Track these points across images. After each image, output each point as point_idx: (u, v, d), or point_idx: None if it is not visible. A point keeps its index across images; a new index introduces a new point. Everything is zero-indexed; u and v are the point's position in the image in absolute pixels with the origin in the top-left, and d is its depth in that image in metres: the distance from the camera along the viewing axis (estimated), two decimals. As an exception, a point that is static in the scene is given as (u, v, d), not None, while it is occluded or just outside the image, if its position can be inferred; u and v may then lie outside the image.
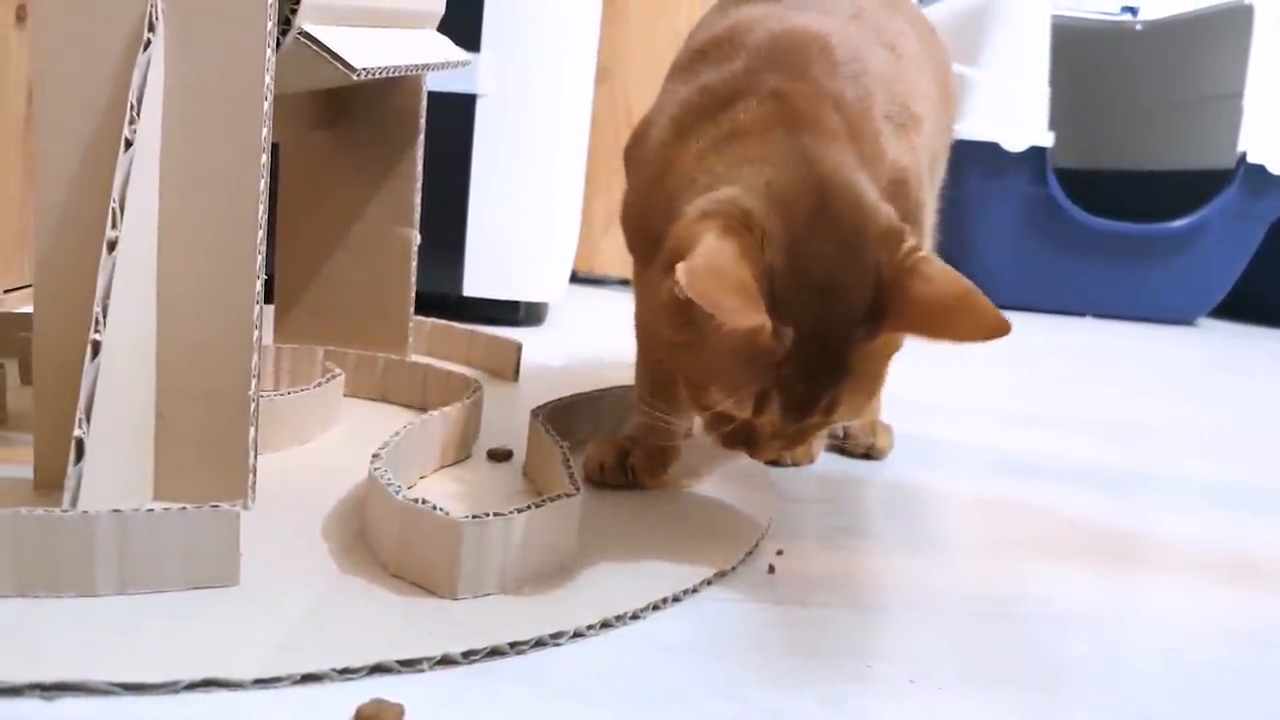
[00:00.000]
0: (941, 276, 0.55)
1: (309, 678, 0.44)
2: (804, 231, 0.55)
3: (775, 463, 0.84)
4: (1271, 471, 1.03)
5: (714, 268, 0.52)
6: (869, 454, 0.89)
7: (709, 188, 0.58)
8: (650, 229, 0.63)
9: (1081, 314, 2.17)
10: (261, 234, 0.59)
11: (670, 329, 0.58)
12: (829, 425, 0.61)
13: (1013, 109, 2.08)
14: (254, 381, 0.59)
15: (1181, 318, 2.24)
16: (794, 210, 0.56)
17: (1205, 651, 0.57)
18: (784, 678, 0.49)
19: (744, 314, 0.51)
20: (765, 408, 0.56)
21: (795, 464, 0.85)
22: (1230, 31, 2.17)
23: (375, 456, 0.60)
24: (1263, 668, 0.56)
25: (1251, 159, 2.12)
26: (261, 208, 0.58)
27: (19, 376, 0.80)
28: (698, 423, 0.64)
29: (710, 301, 0.50)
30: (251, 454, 0.60)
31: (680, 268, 0.50)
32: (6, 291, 1.11)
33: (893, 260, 0.56)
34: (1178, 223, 2.16)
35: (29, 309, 0.73)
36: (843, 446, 0.89)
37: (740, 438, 0.59)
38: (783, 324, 0.54)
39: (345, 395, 0.85)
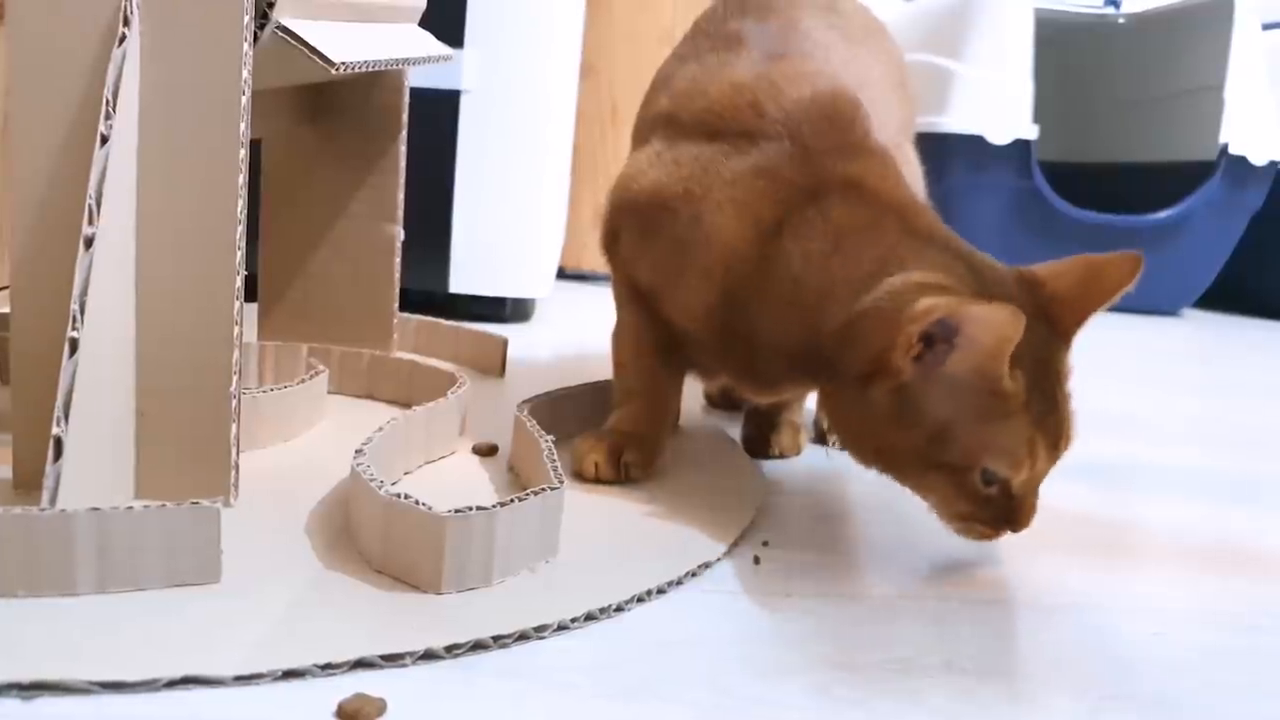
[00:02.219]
0: (1057, 267, 0.62)
1: (290, 674, 0.43)
2: (982, 281, 0.60)
3: (764, 455, 0.84)
4: (1254, 459, 1.04)
5: (963, 308, 0.55)
6: None
7: (856, 290, 0.60)
8: (738, 321, 0.67)
9: (1067, 306, 2.18)
10: (241, 229, 0.58)
11: (898, 431, 0.58)
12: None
13: (997, 102, 2.08)
14: (235, 378, 0.59)
15: (1166, 308, 2.26)
16: (971, 270, 0.60)
17: (1188, 635, 0.57)
18: (769, 668, 0.49)
19: (996, 341, 0.54)
20: (1037, 455, 0.58)
21: (783, 455, 0.85)
22: (1211, 24, 2.19)
23: (359, 452, 0.60)
24: (1244, 651, 0.56)
25: (1233, 150, 2.14)
26: (241, 203, 0.58)
27: (-1, 377, 0.80)
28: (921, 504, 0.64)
29: (971, 327, 0.54)
30: (233, 451, 0.59)
31: (913, 314, 0.55)
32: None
33: (1030, 286, 0.61)
34: (1161, 214, 2.17)
35: (6, 309, 0.73)
36: (828, 439, 0.90)
37: (1003, 512, 0.60)
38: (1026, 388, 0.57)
39: (330, 392, 0.84)
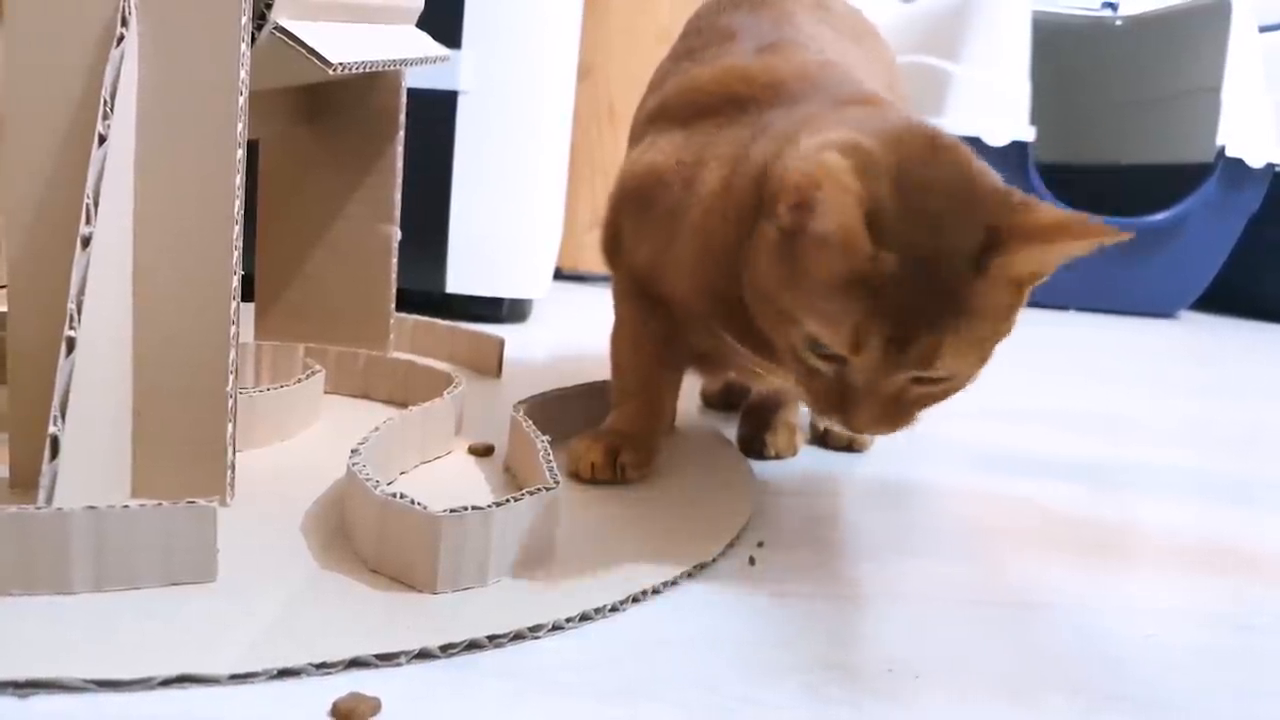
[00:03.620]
0: (1048, 208, 0.55)
1: (285, 673, 0.44)
2: (916, 166, 0.55)
3: (759, 455, 0.84)
4: (1249, 460, 1.04)
5: (827, 168, 0.52)
6: (850, 447, 0.89)
7: (768, 158, 0.60)
8: (729, 280, 0.64)
9: (1064, 307, 2.19)
10: (238, 229, 0.58)
11: (771, 270, 0.57)
12: (930, 391, 0.57)
13: (994, 104, 2.09)
14: (231, 378, 0.59)
15: (1163, 310, 2.26)
16: (905, 148, 0.55)
17: (1182, 636, 0.58)
18: (763, 668, 0.49)
19: (847, 212, 0.51)
20: (865, 342, 0.54)
21: (778, 456, 0.85)
22: (1208, 26, 2.19)
23: (354, 452, 0.60)
24: (1238, 651, 0.56)
25: (1230, 153, 2.14)
26: (237, 203, 0.58)
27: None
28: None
29: (825, 190, 0.51)
30: (230, 451, 0.60)
31: (794, 167, 0.54)
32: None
33: (1004, 205, 0.55)
34: (1158, 216, 2.17)
35: (3, 307, 0.73)
36: (824, 440, 0.90)
37: (837, 394, 0.57)
38: (884, 249, 0.53)
39: (326, 392, 0.85)
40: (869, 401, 0.56)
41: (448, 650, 0.47)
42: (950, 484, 0.85)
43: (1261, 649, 0.57)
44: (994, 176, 0.58)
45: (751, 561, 0.62)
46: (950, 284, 0.54)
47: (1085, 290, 2.17)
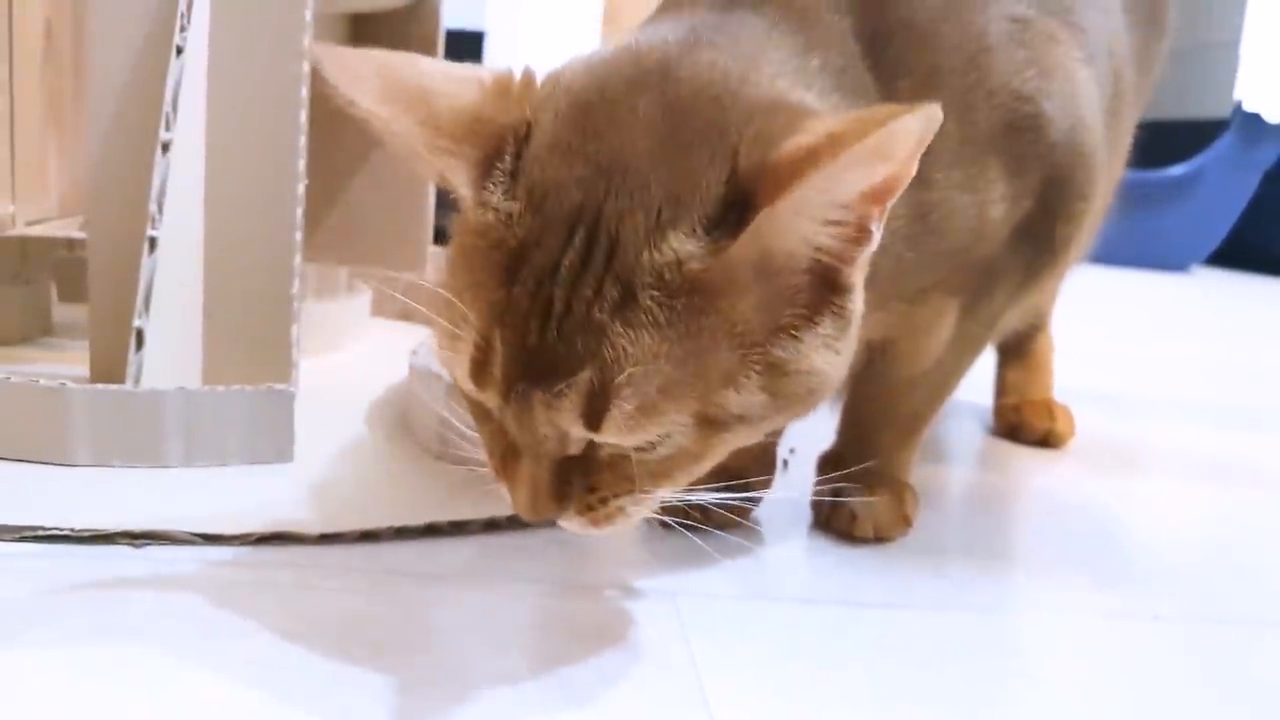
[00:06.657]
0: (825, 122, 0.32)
1: (367, 535, 0.47)
2: (623, 94, 0.35)
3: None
4: (1254, 394, 1.07)
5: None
6: (1046, 441, 0.77)
7: None
8: None
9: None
10: (303, 139, 0.61)
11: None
12: (643, 460, 0.34)
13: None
14: (296, 280, 0.62)
15: (1175, 265, 2.28)
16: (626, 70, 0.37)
17: (1188, 532, 0.61)
18: (805, 549, 0.53)
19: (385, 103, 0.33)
20: (486, 368, 0.33)
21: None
22: (1230, -21, 2.19)
23: (414, 353, 0.64)
24: (1235, 544, 0.60)
25: (1247, 107, 2.15)
26: (303, 112, 0.61)
27: (58, 294, 0.84)
28: None
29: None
30: (294, 350, 0.63)
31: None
32: (28, 224, 1.14)
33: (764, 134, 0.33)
34: (1173, 170, 2.18)
35: (64, 233, 0.77)
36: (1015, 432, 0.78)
37: (500, 451, 0.36)
38: (528, 207, 0.33)
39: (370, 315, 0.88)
40: (525, 469, 0.35)
41: (513, 521, 0.50)
42: (973, 404, 0.88)
43: (1256, 543, 0.61)
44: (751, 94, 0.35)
45: (785, 465, 0.66)
46: (631, 271, 0.32)
47: (1099, 243, 2.19)
